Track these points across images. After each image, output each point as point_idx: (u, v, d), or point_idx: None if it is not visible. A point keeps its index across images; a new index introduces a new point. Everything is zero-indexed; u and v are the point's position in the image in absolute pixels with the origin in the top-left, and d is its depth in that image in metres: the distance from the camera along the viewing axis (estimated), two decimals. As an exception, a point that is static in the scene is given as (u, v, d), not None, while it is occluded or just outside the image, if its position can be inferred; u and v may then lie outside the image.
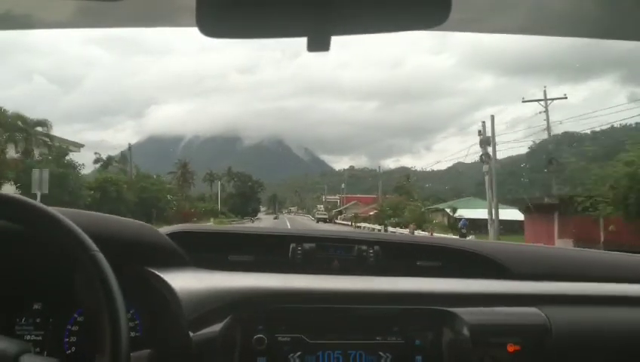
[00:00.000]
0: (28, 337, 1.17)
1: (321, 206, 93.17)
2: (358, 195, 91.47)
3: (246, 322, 1.17)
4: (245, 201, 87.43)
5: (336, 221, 68.93)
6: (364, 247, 1.39)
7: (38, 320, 1.19)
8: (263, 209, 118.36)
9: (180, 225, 1.43)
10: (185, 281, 1.17)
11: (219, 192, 77.81)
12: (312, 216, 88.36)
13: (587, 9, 1.31)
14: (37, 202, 0.95)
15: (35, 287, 1.18)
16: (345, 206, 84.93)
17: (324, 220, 67.25)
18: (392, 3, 0.77)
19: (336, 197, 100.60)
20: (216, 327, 1.11)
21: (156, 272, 1.16)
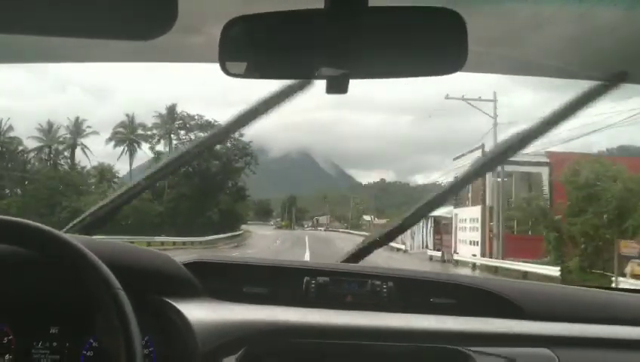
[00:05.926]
0: (44, 361, 1.19)
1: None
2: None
3: (259, 355, 1.19)
4: (203, 200, 33.91)
5: None
6: (377, 282, 1.38)
7: (54, 344, 1.20)
8: (275, 220, 74.58)
9: (196, 254, 1.43)
10: (200, 312, 1.19)
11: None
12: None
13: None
14: (61, 233, 0.99)
15: (51, 312, 1.21)
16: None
17: None
18: (408, 51, 0.78)
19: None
20: (230, 360, 1.14)
21: (172, 303, 1.19)
